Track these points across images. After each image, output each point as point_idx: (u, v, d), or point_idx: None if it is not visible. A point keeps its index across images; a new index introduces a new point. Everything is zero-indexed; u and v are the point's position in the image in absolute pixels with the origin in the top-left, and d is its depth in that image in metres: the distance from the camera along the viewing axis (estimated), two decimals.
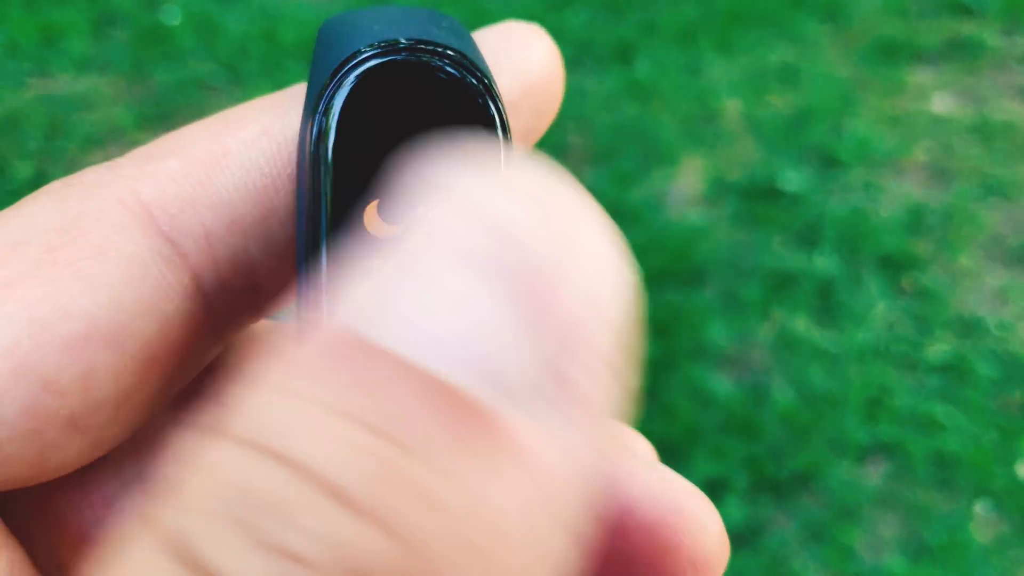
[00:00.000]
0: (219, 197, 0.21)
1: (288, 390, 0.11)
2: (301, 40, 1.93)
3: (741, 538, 1.20)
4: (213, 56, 1.92)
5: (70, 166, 1.67)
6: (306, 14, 2.01)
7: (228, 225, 0.21)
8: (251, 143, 0.21)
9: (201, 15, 2.01)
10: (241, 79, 1.87)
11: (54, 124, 1.76)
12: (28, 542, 0.21)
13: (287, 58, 1.90)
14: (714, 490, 1.25)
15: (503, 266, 0.11)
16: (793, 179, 1.65)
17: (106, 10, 2.02)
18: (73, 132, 1.74)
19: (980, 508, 1.23)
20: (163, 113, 1.79)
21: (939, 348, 1.40)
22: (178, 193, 0.20)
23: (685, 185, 1.66)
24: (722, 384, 1.36)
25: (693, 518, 0.19)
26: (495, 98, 0.19)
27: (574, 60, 1.89)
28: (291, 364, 0.11)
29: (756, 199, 1.62)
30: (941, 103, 1.80)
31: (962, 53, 1.90)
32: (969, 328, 1.42)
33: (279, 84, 1.85)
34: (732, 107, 1.80)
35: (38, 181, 1.64)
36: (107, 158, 0.22)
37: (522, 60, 0.23)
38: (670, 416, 1.32)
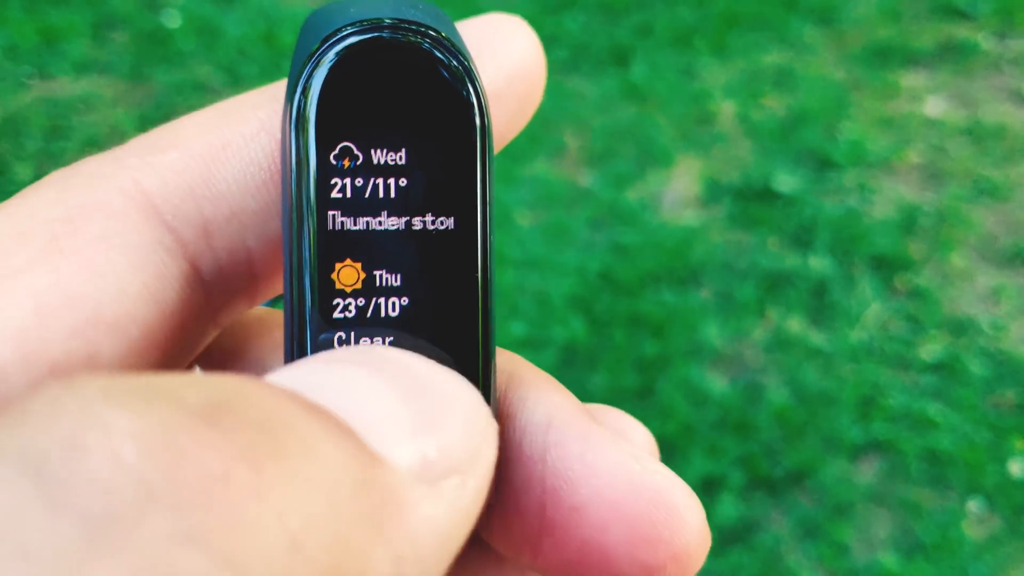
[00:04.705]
0: (219, 190, 0.21)
1: None
2: None
3: (736, 535, 1.21)
4: (212, 58, 1.93)
5: None
6: (304, 17, 2.02)
7: (227, 217, 0.21)
8: (250, 138, 0.22)
9: (200, 18, 2.02)
10: (240, 81, 1.88)
11: (54, 126, 1.77)
12: None
13: (286, 60, 1.91)
14: (709, 488, 1.26)
15: (400, 382, 0.16)
16: (787, 181, 1.66)
17: (106, 12, 2.03)
18: (73, 134, 1.75)
19: (972, 505, 1.24)
20: (163, 115, 1.80)
21: (932, 348, 1.41)
22: (180, 185, 0.21)
23: (681, 187, 1.67)
24: (717, 383, 1.37)
25: (674, 510, 0.19)
26: (474, 81, 0.20)
27: (571, 63, 1.90)
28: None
29: (751, 200, 1.63)
30: (934, 106, 1.82)
31: (955, 56, 1.91)
32: (962, 328, 1.44)
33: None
34: (727, 109, 1.81)
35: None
36: None
37: (505, 50, 0.23)
38: (666, 415, 1.33)
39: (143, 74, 1.89)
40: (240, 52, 1.94)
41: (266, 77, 1.88)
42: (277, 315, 0.26)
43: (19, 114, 1.79)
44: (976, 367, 1.38)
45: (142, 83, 1.88)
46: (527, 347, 1.41)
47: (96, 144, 1.72)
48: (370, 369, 0.16)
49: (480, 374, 0.20)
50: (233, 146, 0.22)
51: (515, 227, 1.58)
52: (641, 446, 0.24)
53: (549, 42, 1.92)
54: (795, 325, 1.44)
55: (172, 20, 2.02)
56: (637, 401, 1.35)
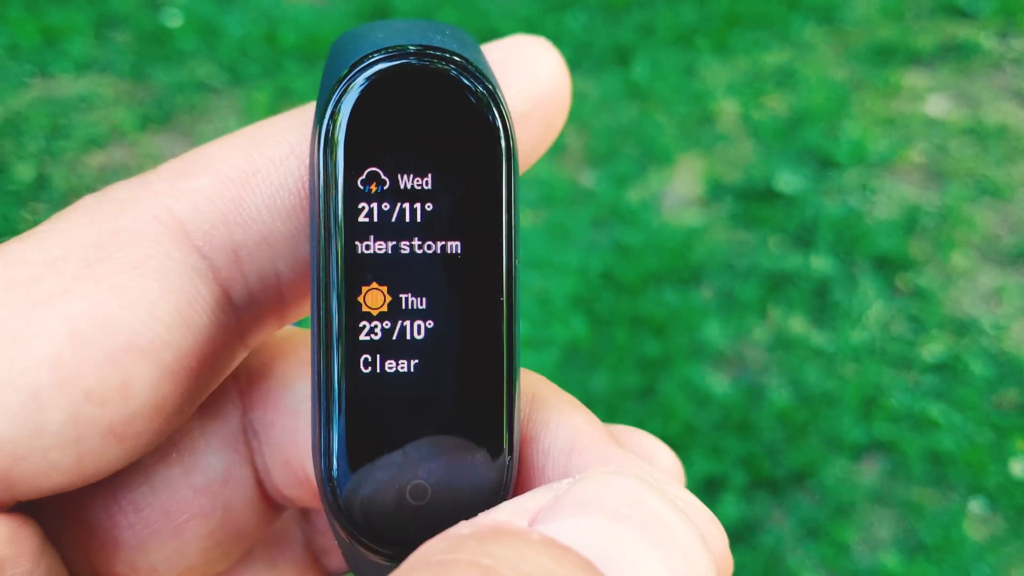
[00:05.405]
0: (249, 215, 0.21)
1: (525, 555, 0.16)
2: (301, 42, 1.94)
3: (738, 535, 1.21)
4: (213, 58, 1.93)
5: (71, 167, 1.68)
6: (306, 16, 2.02)
7: (257, 242, 0.22)
8: (280, 163, 0.22)
9: (202, 17, 2.02)
10: (241, 80, 1.87)
11: (55, 125, 1.77)
12: (64, 549, 0.22)
13: (287, 59, 1.91)
14: (711, 488, 1.26)
15: (651, 532, 0.17)
16: (789, 180, 1.66)
17: (107, 12, 2.03)
18: (74, 133, 1.75)
19: (974, 505, 1.24)
20: (164, 114, 1.80)
21: (934, 348, 1.41)
22: (211, 211, 0.21)
23: (682, 186, 1.67)
24: (719, 383, 1.37)
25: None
26: (500, 105, 0.20)
27: (573, 62, 1.90)
28: (533, 544, 0.17)
29: (752, 200, 1.63)
30: (936, 105, 1.82)
31: (957, 56, 1.91)
32: (963, 328, 1.43)
33: (279, 85, 1.86)
34: (729, 109, 1.81)
35: (39, 182, 1.65)
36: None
37: (531, 72, 0.24)
38: (668, 415, 1.33)
39: (144, 73, 1.89)
40: (241, 51, 1.94)
41: (267, 76, 1.88)
42: (304, 334, 0.26)
43: (20, 113, 1.79)
44: (978, 367, 1.38)
45: (143, 82, 1.87)
46: (529, 347, 1.41)
47: (97, 143, 1.72)
48: (619, 519, 0.17)
49: (504, 397, 0.20)
50: (263, 171, 0.22)
51: None
52: (667, 471, 0.24)
53: (551, 41, 1.92)
54: (797, 325, 1.44)
55: (173, 19, 2.02)
56: (638, 401, 1.35)
